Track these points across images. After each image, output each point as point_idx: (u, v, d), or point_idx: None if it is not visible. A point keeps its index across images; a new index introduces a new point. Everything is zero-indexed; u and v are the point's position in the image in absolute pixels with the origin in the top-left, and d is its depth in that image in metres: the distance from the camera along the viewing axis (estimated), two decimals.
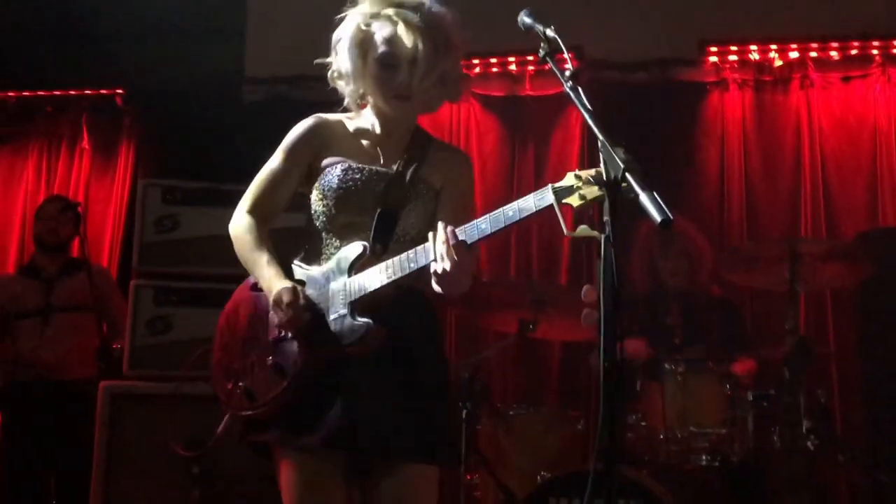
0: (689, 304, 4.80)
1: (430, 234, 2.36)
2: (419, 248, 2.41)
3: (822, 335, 5.10)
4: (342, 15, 2.66)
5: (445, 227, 2.33)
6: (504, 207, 2.30)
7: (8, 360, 5.11)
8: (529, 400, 4.71)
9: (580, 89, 2.24)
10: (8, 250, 6.48)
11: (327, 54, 2.73)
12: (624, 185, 1.98)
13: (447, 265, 2.30)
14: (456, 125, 5.87)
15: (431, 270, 2.35)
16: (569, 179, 2.21)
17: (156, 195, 4.44)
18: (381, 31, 2.57)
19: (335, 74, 2.69)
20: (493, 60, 5.88)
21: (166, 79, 6.25)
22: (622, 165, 2.00)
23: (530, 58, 5.76)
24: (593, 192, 2.17)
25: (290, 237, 2.75)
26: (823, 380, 4.57)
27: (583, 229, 2.13)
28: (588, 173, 2.19)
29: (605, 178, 2.04)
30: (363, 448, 2.46)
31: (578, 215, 2.21)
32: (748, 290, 5.01)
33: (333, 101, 2.79)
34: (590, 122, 2.17)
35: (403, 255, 2.43)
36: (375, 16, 2.59)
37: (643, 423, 4.24)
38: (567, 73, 2.26)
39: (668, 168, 5.36)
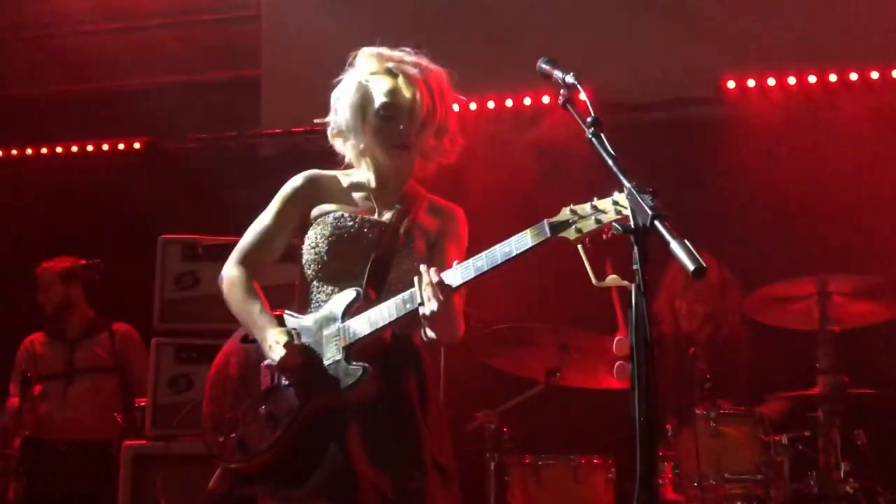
0: (717, 347, 4.72)
1: (416, 279, 2.37)
2: (413, 289, 2.41)
3: (855, 373, 4.98)
4: (341, 77, 2.74)
5: (428, 270, 2.34)
6: (498, 245, 2.30)
7: (27, 423, 5.09)
8: (558, 448, 4.60)
9: (603, 136, 2.20)
10: None
11: None
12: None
13: (434, 307, 2.31)
14: None
15: (420, 314, 2.35)
16: (564, 214, 2.21)
17: (175, 251, 4.41)
18: (380, 86, 2.65)
19: (334, 132, 2.75)
20: None
21: (183, 133, 6.29)
22: (650, 213, 1.95)
23: None
24: (589, 224, 2.16)
25: (283, 294, 2.77)
26: (859, 420, 4.45)
27: (612, 279, 2.09)
28: (583, 207, 2.19)
29: (633, 226, 2.01)
30: (353, 498, 2.42)
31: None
32: (777, 328, 4.91)
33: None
34: (614, 169, 2.13)
35: (398, 298, 2.44)
36: (374, 73, 2.68)
37: (676, 471, 4.13)
38: (588, 120, 2.22)
39: (690, 208, 5.30)
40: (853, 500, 4.08)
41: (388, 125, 2.63)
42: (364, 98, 2.66)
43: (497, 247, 2.30)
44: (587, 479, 4.32)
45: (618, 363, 1.86)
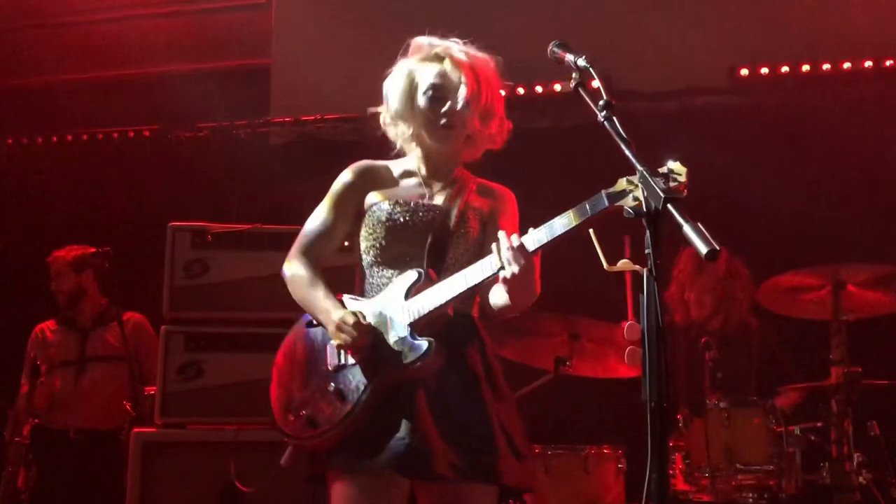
0: (728, 336, 4.69)
1: (494, 245, 2.43)
2: (474, 265, 2.50)
3: (868, 364, 4.95)
4: (393, 68, 2.81)
5: (509, 235, 2.41)
6: (559, 216, 2.35)
7: (36, 410, 5.11)
8: (568, 438, 4.59)
9: (615, 119, 2.18)
10: None
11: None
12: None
13: (515, 269, 2.37)
14: None
15: (501, 278, 2.41)
16: (620, 184, 2.26)
17: (184, 239, 4.39)
18: (427, 69, 2.75)
19: (386, 120, 2.83)
20: None
21: (193, 120, 6.29)
22: (663, 196, 1.94)
23: None
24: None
25: (337, 276, 2.78)
26: (872, 411, 4.42)
27: (624, 263, 2.08)
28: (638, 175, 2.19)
29: (645, 210, 1.99)
30: (428, 469, 2.46)
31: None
32: (790, 319, 4.89)
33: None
34: (627, 153, 2.12)
35: (459, 274, 2.52)
36: (423, 59, 2.77)
37: (687, 461, 4.11)
38: (601, 104, 2.21)
39: (701, 197, 5.26)
40: (866, 491, 4.06)
41: (433, 105, 2.71)
42: (412, 83, 2.76)
43: (559, 217, 2.36)
44: (597, 468, 4.29)
45: (629, 348, 1.85)
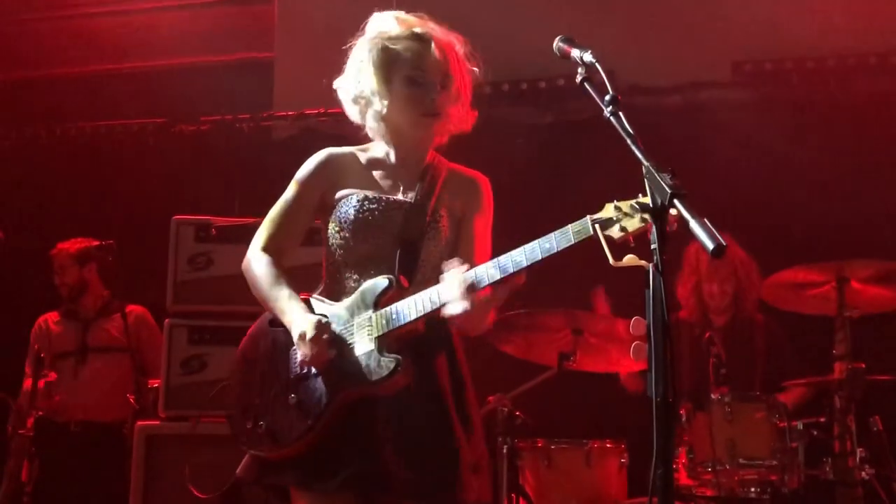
0: (733, 332, 4.69)
1: (441, 277, 2.33)
2: (439, 286, 2.37)
3: (872, 360, 4.94)
4: (355, 42, 2.65)
5: (456, 267, 2.30)
6: (539, 240, 2.25)
7: (40, 402, 5.11)
8: (571, 433, 4.59)
9: (621, 114, 2.17)
10: None
11: None
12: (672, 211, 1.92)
13: (459, 308, 2.27)
14: None
15: (444, 312, 2.31)
16: (608, 210, 2.17)
17: (188, 233, 4.41)
18: (409, 51, 2.54)
19: (351, 98, 2.64)
20: None
21: (196, 114, 6.28)
22: (669, 192, 1.93)
23: None
24: (634, 223, 2.13)
25: (306, 274, 2.74)
26: (875, 406, 4.42)
27: (630, 258, 2.07)
28: (628, 204, 2.15)
29: (651, 204, 1.97)
30: (382, 491, 2.40)
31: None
32: (794, 314, 4.90)
33: (363, 134, 2.77)
34: (633, 147, 2.10)
35: (429, 291, 2.39)
36: (398, 36, 2.56)
37: (690, 456, 4.11)
38: (607, 99, 2.19)
39: (706, 192, 5.25)
40: (868, 486, 4.06)
41: (417, 92, 2.54)
42: (390, 63, 2.55)
43: (537, 242, 2.26)
44: (600, 463, 4.31)
45: (634, 343, 1.84)
